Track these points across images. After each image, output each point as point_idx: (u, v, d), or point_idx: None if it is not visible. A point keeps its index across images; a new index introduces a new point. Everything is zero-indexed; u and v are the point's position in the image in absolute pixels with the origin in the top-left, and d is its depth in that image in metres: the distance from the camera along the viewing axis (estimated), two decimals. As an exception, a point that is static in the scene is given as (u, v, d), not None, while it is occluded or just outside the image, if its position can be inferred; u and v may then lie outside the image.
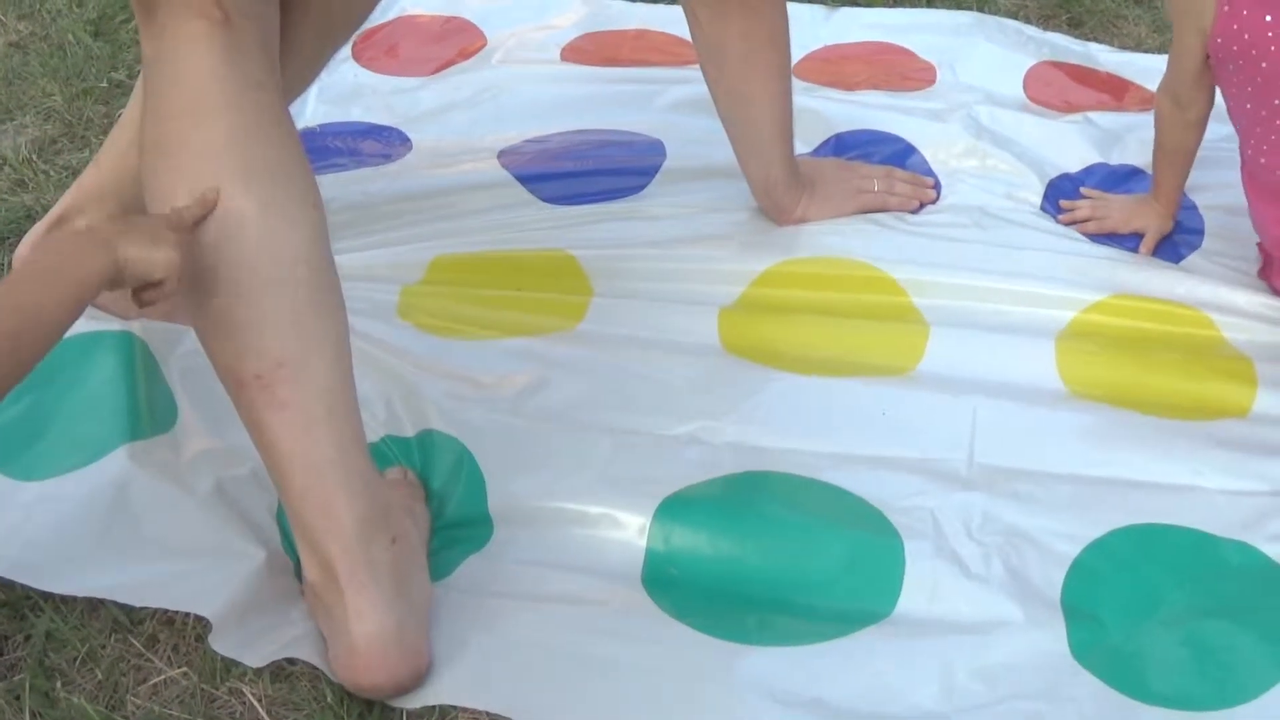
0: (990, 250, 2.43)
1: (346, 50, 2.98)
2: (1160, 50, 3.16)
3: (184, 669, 1.70)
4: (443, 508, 1.93)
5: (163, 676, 1.69)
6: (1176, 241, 2.53)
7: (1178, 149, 2.44)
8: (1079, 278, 2.38)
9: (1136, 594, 1.84)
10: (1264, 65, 2.14)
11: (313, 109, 2.83)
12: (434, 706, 1.66)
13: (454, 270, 2.35)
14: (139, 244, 1.51)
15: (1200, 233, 2.57)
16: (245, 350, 1.61)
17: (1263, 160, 2.24)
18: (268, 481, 1.74)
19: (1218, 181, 2.65)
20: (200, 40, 1.61)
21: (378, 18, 3.13)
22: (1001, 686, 1.72)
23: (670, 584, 1.84)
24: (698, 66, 2.35)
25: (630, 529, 1.88)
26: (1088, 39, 3.24)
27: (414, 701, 1.66)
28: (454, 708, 1.66)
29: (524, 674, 1.71)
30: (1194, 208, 2.62)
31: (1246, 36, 2.12)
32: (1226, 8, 2.12)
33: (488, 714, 1.66)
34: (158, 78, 1.65)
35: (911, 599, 1.82)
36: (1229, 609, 1.83)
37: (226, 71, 1.61)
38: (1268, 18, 2.09)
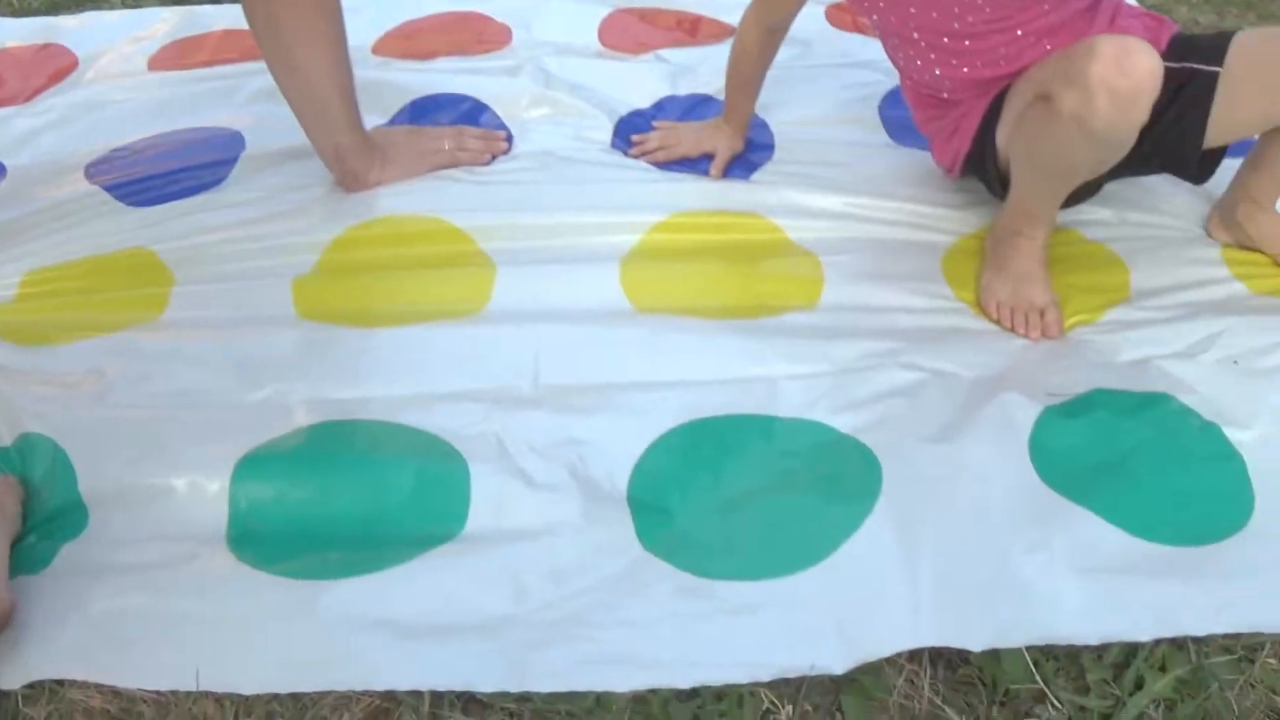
0: (556, 189, 2.54)
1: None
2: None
3: None
4: (43, 503, 1.97)
5: None
6: (750, 159, 2.66)
7: (755, 75, 2.59)
8: (642, 202, 2.50)
9: (701, 482, 1.95)
10: (875, 18, 2.36)
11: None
12: (42, 683, 1.73)
13: (42, 283, 2.38)
14: None
15: (771, 147, 2.70)
16: None
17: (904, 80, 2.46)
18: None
19: (785, 98, 2.81)
20: None
21: (-25, 56, 3.16)
22: (572, 583, 1.82)
23: (253, 539, 1.90)
24: None
25: (211, 493, 1.94)
26: (664, -17, 3.35)
27: (17, 680, 1.73)
28: (62, 683, 1.73)
29: (118, 641, 1.76)
30: (765, 125, 2.76)
31: None
32: None
33: (95, 685, 1.73)
34: None
35: (479, 516, 1.91)
36: (796, 483, 1.95)
37: None
38: None
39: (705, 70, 2.93)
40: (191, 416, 2.07)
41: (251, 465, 1.97)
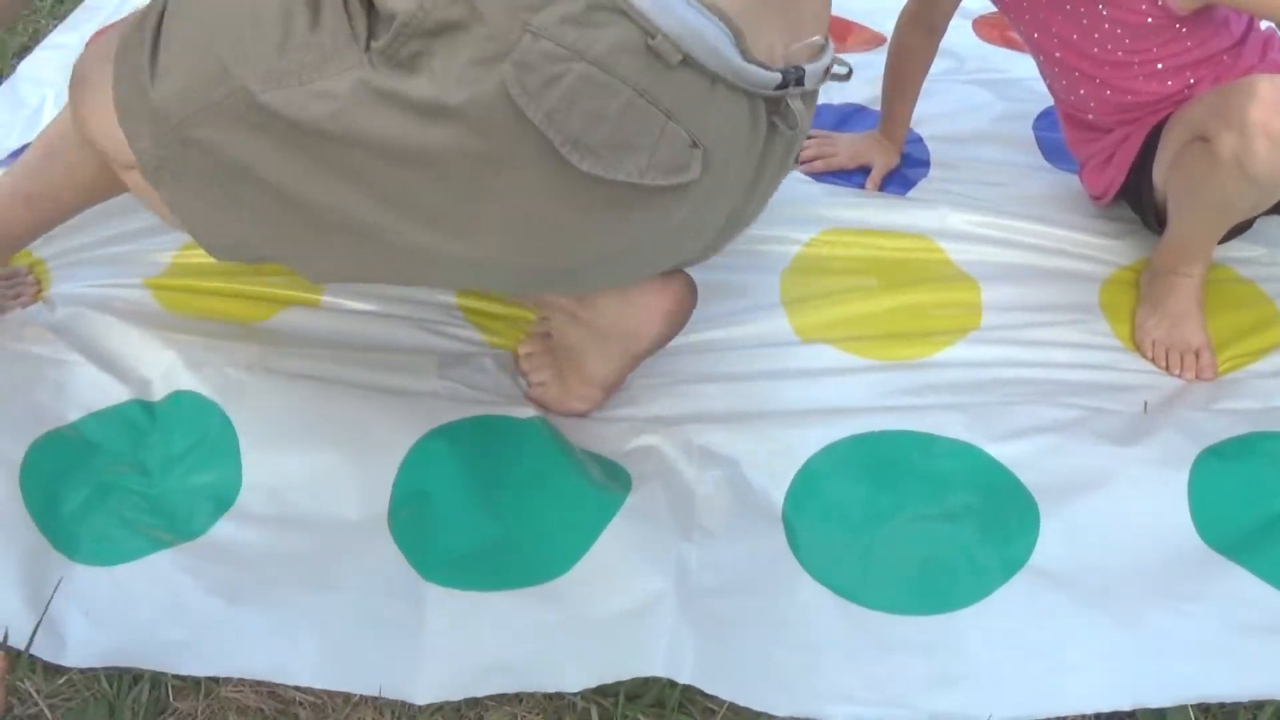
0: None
1: None
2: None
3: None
4: (192, 466, 1.96)
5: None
6: (906, 174, 2.65)
7: (915, 77, 2.59)
8: (799, 215, 2.49)
9: (858, 501, 1.96)
10: (1022, 29, 2.39)
11: None
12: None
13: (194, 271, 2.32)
14: None
15: (927, 164, 2.69)
16: None
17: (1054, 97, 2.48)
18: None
19: (939, 112, 2.80)
20: None
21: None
22: (728, 574, 1.84)
23: (419, 535, 1.88)
24: None
25: (378, 480, 1.94)
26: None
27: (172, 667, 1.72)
28: (217, 678, 1.73)
29: (274, 635, 1.75)
30: (920, 140, 2.75)
31: None
32: None
33: (251, 682, 1.73)
34: None
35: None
36: (953, 512, 1.95)
37: None
38: None
39: (858, 78, 2.89)
40: (361, 399, 2.05)
41: (421, 454, 1.97)
